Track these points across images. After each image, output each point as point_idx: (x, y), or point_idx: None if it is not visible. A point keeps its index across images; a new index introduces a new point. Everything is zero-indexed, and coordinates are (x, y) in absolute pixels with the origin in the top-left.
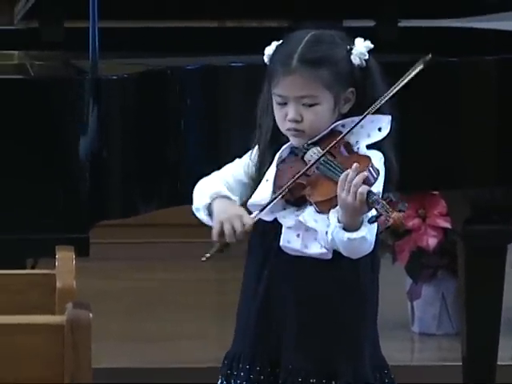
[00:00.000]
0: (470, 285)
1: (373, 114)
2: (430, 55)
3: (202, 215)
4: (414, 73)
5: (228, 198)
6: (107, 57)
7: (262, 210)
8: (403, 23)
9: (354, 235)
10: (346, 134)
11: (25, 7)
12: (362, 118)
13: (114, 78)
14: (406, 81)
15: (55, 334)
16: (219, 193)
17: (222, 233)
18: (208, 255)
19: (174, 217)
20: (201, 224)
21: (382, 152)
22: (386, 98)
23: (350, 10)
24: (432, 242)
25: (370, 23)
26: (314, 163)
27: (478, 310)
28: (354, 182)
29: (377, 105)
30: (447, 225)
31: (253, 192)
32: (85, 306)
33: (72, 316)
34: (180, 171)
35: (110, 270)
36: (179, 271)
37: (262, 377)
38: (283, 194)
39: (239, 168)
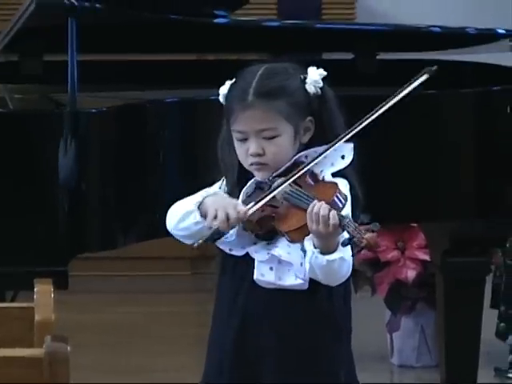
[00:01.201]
0: (449, 317)
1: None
2: (436, 66)
3: (193, 219)
4: (417, 83)
5: (218, 193)
6: (86, 90)
7: (256, 203)
8: (382, 56)
9: (332, 256)
10: (313, 162)
11: (4, 40)
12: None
13: (93, 111)
14: (409, 91)
15: (34, 366)
16: (209, 191)
17: (215, 220)
18: (200, 241)
19: (154, 250)
20: (181, 257)
21: (347, 179)
22: (388, 106)
23: (329, 44)
24: (411, 274)
25: (349, 56)
26: (281, 188)
27: (456, 342)
28: (322, 211)
29: (374, 113)
30: (426, 257)
31: None
32: (63, 340)
33: (50, 349)
34: (159, 203)
35: (89, 302)
36: (159, 304)
37: None
38: (263, 203)
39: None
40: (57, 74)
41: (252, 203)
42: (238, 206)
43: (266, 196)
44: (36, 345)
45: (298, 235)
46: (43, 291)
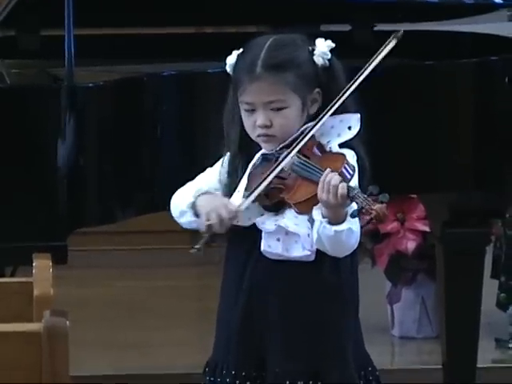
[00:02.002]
0: (449, 288)
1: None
2: (402, 31)
3: (188, 217)
4: (387, 49)
5: (209, 192)
6: (83, 64)
7: (247, 198)
8: (379, 27)
9: (340, 227)
10: (315, 126)
11: (0, 16)
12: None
13: (90, 85)
14: (380, 58)
15: (32, 341)
16: (200, 190)
17: (209, 223)
18: (197, 246)
19: (153, 224)
20: (180, 230)
21: (354, 150)
22: (362, 77)
23: (326, 15)
24: (411, 245)
25: (346, 28)
26: (288, 160)
27: (457, 313)
28: (333, 181)
29: (352, 83)
30: (426, 228)
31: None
32: (62, 314)
33: (49, 324)
34: (157, 178)
35: (88, 277)
36: (159, 278)
37: (249, 382)
38: (268, 182)
39: (212, 177)
40: (54, 49)
41: (244, 199)
42: (229, 205)
43: (271, 171)
44: (35, 319)
45: (305, 206)
46: (42, 266)
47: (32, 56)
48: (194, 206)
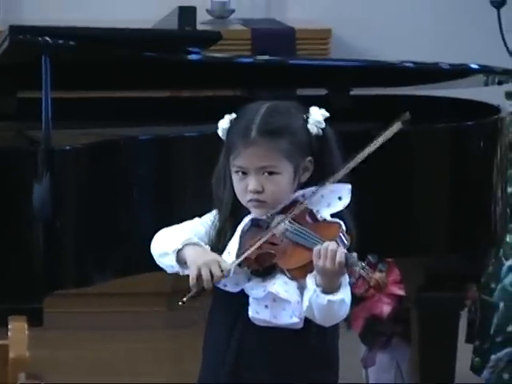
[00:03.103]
0: (424, 352)
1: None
2: (408, 113)
3: (170, 261)
4: (391, 133)
5: (199, 245)
6: (60, 127)
7: (239, 257)
8: (356, 92)
9: (334, 297)
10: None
11: None
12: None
13: (67, 148)
14: (383, 140)
15: None
16: (190, 240)
17: (199, 277)
18: (185, 299)
19: (129, 286)
20: (156, 293)
21: (343, 220)
22: (363, 157)
23: (303, 80)
24: (386, 309)
25: (323, 92)
26: (282, 226)
27: (431, 378)
28: (331, 247)
29: (351, 165)
30: (401, 292)
31: None
32: (37, 377)
33: None
34: (133, 240)
35: (64, 339)
36: (135, 341)
37: None
38: (258, 246)
39: (200, 227)
40: (31, 111)
41: (233, 260)
42: (222, 264)
43: (261, 238)
44: (10, 382)
45: (299, 273)
46: (18, 328)
47: (9, 118)
48: (179, 253)
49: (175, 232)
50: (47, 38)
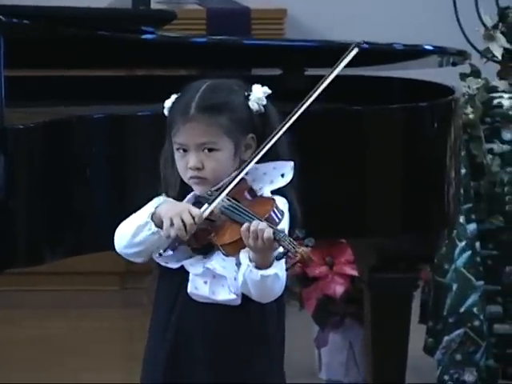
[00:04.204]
0: (376, 332)
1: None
2: (363, 40)
3: (147, 231)
4: (348, 58)
5: (168, 200)
6: (13, 106)
7: (210, 204)
8: (311, 72)
9: (267, 272)
10: (243, 171)
11: None
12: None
13: (20, 127)
14: (340, 68)
15: None
16: (159, 201)
17: (173, 228)
18: (161, 251)
19: (83, 265)
20: (110, 272)
21: (285, 197)
22: (323, 86)
23: (258, 60)
24: (339, 289)
25: (277, 72)
26: (219, 202)
27: (384, 358)
28: (260, 226)
29: (305, 101)
30: (354, 272)
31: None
32: None
33: None
34: (86, 219)
35: (16, 317)
36: (87, 319)
37: None
38: (230, 188)
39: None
40: None
41: (205, 205)
42: (193, 210)
43: (209, 207)
44: None
45: (233, 249)
46: None
47: None
48: (154, 217)
49: (136, 214)
50: (0, 17)
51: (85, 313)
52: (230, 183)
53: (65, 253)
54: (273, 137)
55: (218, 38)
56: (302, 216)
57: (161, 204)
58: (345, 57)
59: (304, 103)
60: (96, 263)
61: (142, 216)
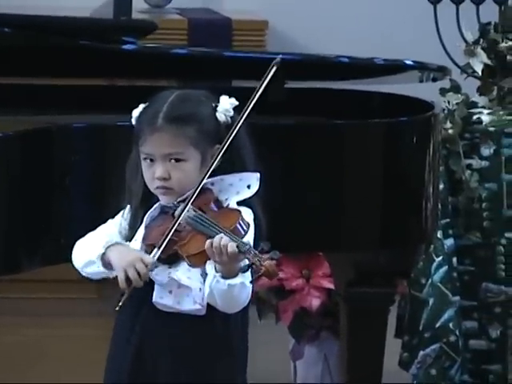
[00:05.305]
0: (352, 346)
1: (239, 169)
2: (280, 56)
3: (96, 268)
4: (269, 77)
5: (120, 243)
6: None
7: (159, 247)
8: (291, 85)
9: (234, 281)
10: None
11: None
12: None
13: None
14: (264, 87)
15: None
16: (110, 241)
17: (127, 279)
18: (120, 303)
19: (60, 272)
20: (88, 280)
21: (251, 208)
22: (250, 108)
23: (238, 71)
24: (315, 302)
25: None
26: (182, 216)
27: (359, 372)
28: (223, 241)
29: (240, 119)
30: (331, 286)
31: None
32: None
33: None
34: (64, 229)
35: None
36: (64, 327)
37: None
38: (179, 222)
39: (113, 228)
40: None
41: (155, 250)
42: (145, 259)
43: (172, 227)
44: None
45: (198, 260)
46: None
47: None
48: (103, 257)
49: (92, 239)
50: None
51: (61, 320)
52: (192, 194)
53: (42, 262)
54: (219, 152)
55: (198, 49)
56: (278, 228)
57: (111, 246)
58: (265, 77)
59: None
60: (73, 271)
61: (93, 249)
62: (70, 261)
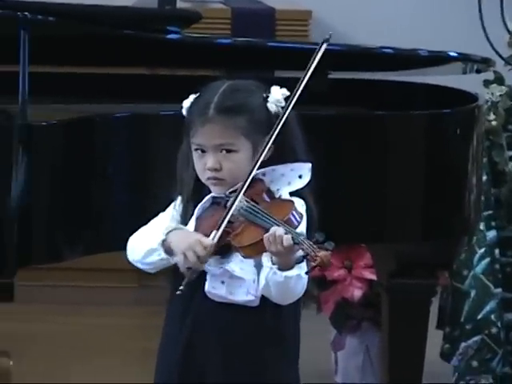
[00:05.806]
0: (393, 337)
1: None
2: (330, 33)
3: (157, 256)
4: (320, 54)
5: (179, 228)
6: (37, 102)
7: (218, 229)
8: (334, 75)
9: (290, 273)
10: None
11: None
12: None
13: (44, 124)
14: (316, 63)
15: None
16: (170, 227)
17: (187, 262)
18: (181, 287)
19: (101, 262)
20: (128, 269)
21: (303, 199)
22: (302, 85)
23: (281, 62)
24: (357, 293)
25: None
26: (235, 206)
27: (400, 363)
28: (277, 232)
29: (293, 97)
30: (373, 276)
31: None
32: (4, 354)
33: None
34: (106, 218)
35: (33, 312)
36: (104, 316)
37: None
38: (232, 213)
39: (165, 221)
40: (7, 86)
41: (214, 232)
42: (204, 241)
43: (225, 215)
44: None
45: (251, 251)
46: None
47: None
48: (165, 244)
49: (149, 231)
50: (26, 13)
51: (102, 309)
52: (243, 185)
53: (83, 251)
54: (269, 138)
55: (242, 39)
56: (323, 219)
57: (171, 232)
58: (316, 55)
59: (288, 107)
60: (114, 260)
61: (152, 237)
62: (112, 250)
